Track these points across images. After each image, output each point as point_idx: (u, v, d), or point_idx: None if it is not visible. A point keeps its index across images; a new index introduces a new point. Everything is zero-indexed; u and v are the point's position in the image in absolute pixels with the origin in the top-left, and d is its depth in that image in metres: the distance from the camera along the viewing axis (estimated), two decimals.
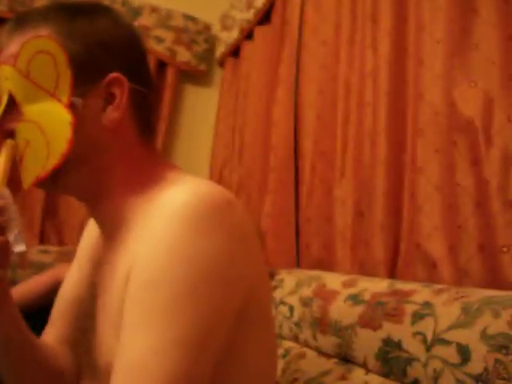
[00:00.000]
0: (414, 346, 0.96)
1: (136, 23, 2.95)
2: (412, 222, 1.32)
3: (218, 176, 2.73)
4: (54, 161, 0.80)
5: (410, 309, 1.01)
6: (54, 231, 2.83)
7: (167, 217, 0.71)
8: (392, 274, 1.38)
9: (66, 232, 2.84)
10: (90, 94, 0.82)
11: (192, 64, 3.03)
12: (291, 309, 1.41)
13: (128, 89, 0.83)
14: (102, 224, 0.91)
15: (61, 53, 0.80)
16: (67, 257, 2.53)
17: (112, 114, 0.82)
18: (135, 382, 0.65)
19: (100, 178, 0.84)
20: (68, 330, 1.02)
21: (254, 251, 0.78)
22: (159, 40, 2.98)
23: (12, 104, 0.82)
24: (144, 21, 2.98)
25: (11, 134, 0.83)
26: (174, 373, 0.65)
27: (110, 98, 0.83)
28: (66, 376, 1.02)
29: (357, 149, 1.59)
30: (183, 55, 3.01)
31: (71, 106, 0.80)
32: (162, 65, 3.01)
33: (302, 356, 1.34)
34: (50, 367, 0.99)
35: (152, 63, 2.96)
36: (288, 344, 1.44)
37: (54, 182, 0.83)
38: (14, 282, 2.47)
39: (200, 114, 3.11)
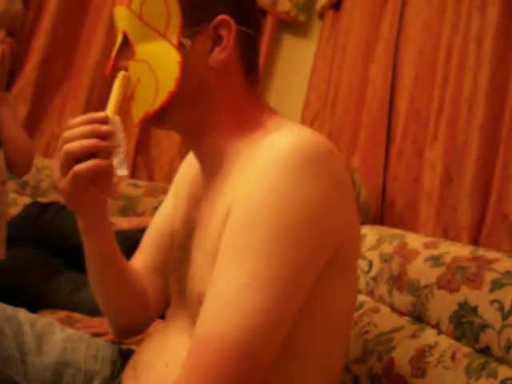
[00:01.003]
0: (490, 313, 0.96)
1: None
2: (501, 192, 1.31)
3: (308, 127, 2.74)
4: (162, 98, 0.85)
5: (490, 276, 1.01)
6: (144, 167, 2.95)
7: (271, 160, 0.74)
8: (475, 241, 1.38)
9: (156, 169, 2.96)
10: (198, 35, 0.85)
11: (292, 14, 3.02)
12: (370, 264, 1.44)
13: (235, 31, 0.85)
14: (202, 161, 0.95)
15: None
16: (155, 192, 2.65)
17: (219, 55, 0.85)
18: (226, 314, 0.70)
19: (204, 116, 0.89)
20: (157, 259, 1.09)
21: (349, 202, 0.81)
22: None
23: (126, 43, 0.88)
24: None
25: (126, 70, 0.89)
26: (264, 308, 0.70)
27: (217, 40, 0.85)
28: (150, 301, 1.10)
29: (453, 113, 1.57)
30: (284, 5, 3.00)
31: (180, 47, 0.84)
32: (262, 13, 3.01)
33: (375, 310, 1.37)
34: (136, 289, 1.06)
35: None
36: (363, 298, 1.47)
37: (160, 118, 0.88)
38: None
39: (295, 64, 3.10)
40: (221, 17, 0.85)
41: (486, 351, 0.97)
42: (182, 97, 0.86)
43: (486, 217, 1.36)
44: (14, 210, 2.39)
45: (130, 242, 1.64)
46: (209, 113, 0.88)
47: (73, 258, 1.89)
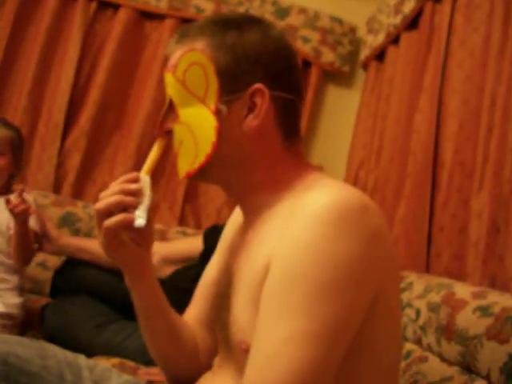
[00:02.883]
0: None
1: (284, 23, 3.06)
2: None
3: (353, 177, 2.78)
4: (200, 160, 0.93)
5: None
6: (192, 215, 3.02)
7: (308, 218, 0.78)
8: None
9: (203, 217, 3.02)
10: (234, 102, 0.92)
11: (336, 65, 3.10)
12: (418, 312, 1.45)
13: (269, 99, 0.91)
14: (245, 212, 1.02)
15: (210, 65, 0.91)
16: None
17: (252, 121, 0.91)
18: (271, 367, 0.74)
19: (243, 177, 0.95)
20: (207, 311, 1.13)
21: (387, 254, 0.83)
22: (305, 40, 3.07)
23: (171, 107, 0.97)
24: (292, 21, 3.08)
25: (169, 133, 0.98)
26: (304, 363, 0.73)
27: (252, 107, 0.92)
28: (201, 354, 1.13)
29: (498, 162, 1.59)
30: (328, 56, 3.08)
31: (217, 112, 0.91)
32: (306, 64, 3.09)
33: (423, 360, 1.37)
34: (186, 342, 1.10)
35: None
36: (411, 346, 1.47)
37: (201, 177, 0.98)
38: None
39: (340, 114, 3.17)
40: (255, 86, 0.91)
41: None
42: (220, 159, 0.93)
43: None
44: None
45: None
46: (247, 174, 0.95)
47: (118, 302, 1.95)
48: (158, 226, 2.79)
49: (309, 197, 0.81)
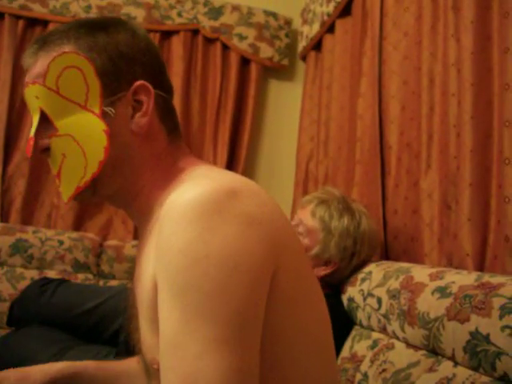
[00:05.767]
0: (502, 340, 0.96)
1: (218, 22, 3.04)
2: (500, 214, 1.30)
3: (304, 169, 2.77)
4: (92, 169, 0.85)
5: (498, 302, 1.01)
6: None
7: (175, 219, 0.71)
8: (480, 266, 1.37)
9: None
10: (118, 102, 0.86)
11: (275, 59, 3.08)
12: (379, 301, 1.43)
13: (153, 95, 0.86)
14: (137, 224, 0.94)
15: (88, 65, 0.84)
16: None
17: (140, 120, 0.86)
18: None
19: (132, 181, 0.88)
20: None
21: (271, 232, 0.75)
22: (242, 37, 3.05)
23: (44, 121, 0.87)
24: (226, 19, 3.05)
25: (46, 150, 0.88)
26: (225, 371, 0.65)
27: (137, 106, 0.86)
28: None
29: (442, 140, 1.58)
30: (266, 51, 3.06)
31: (103, 116, 0.84)
32: (245, 61, 3.07)
33: (390, 347, 1.36)
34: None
35: (235, 60, 3.04)
36: (376, 335, 1.46)
37: (92, 190, 0.88)
38: (112, 276, 2.62)
39: (284, 108, 3.16)
40: (139, 82, 0.86)
41: (504, 378, 0.96)
42: (111, 166, 0.86)
43: (488, 240, 1.35)
44: (22, 285, 2.40)
45: None
46: (136, 176, 0.88)
47: (78, 328, 1.90)
48: (113, 243, 2.73)
49: (175, 195, 0.75)
